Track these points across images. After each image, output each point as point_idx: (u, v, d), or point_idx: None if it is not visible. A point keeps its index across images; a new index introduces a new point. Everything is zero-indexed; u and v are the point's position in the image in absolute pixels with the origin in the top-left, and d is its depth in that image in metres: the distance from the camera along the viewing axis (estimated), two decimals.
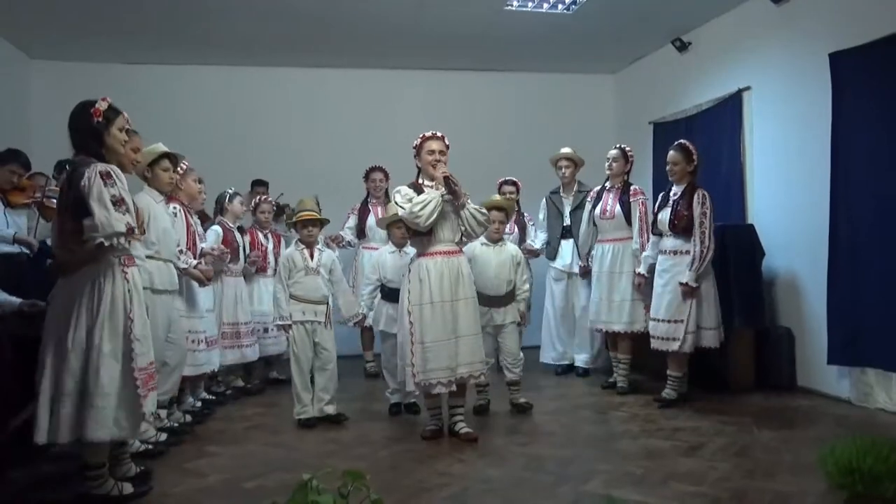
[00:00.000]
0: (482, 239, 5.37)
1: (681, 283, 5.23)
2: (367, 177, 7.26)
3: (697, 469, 3.99)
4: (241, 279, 6.16)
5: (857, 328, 5.30)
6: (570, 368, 6.91)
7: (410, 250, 5.12)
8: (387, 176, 7.18)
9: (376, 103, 8.61)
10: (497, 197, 5.94)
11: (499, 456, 4.34)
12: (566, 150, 6.82)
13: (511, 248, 5.51)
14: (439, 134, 4.75)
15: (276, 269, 6.02)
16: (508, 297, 5.40)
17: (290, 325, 5.11)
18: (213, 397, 5.91)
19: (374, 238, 6.96)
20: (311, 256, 5.20)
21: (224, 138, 8.17)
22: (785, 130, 6.22)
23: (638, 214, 5.93)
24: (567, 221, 6.84)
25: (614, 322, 5.95)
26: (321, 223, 5.27)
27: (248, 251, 6.30)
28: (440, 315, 4.54)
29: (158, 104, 7.82)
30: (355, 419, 5.33)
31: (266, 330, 6.43)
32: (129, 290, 3.46)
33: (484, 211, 4.75)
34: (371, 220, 7.02)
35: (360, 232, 7.11)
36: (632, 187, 6.05)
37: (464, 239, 4.87)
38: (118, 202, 3.35)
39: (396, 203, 4.66)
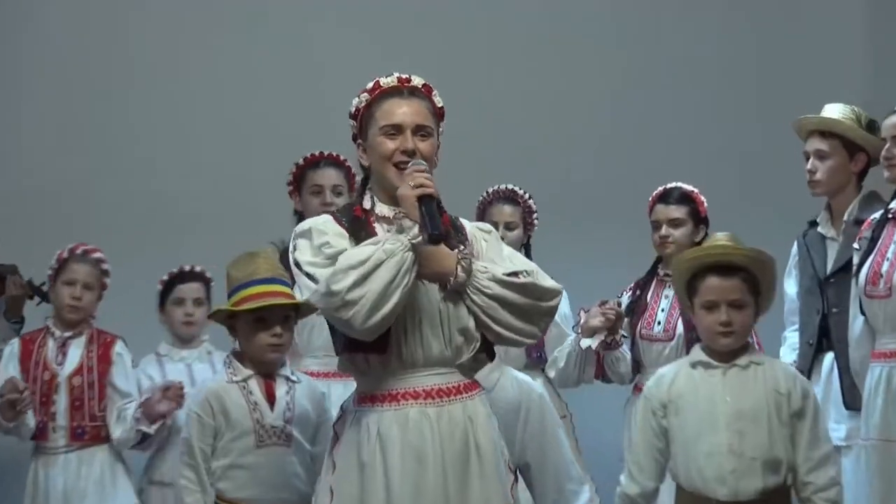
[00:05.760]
0: None
1: None
2: (298, 182, 3.99)
3: None
4: None
5: None
6: None
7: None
8: (350, 175, 3.97)
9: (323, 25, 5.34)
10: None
11: None
12: (834, 109, 3.83)
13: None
14: (418, 82, 2.65)
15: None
16: None
17: None
18: None
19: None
20: (271, 398, 3.22)
21: None
22: None
23: None
24: (826, 300, 3.79)
25: None
26: (298, 311, 3.27)
27: None
28: None
29: None
30: None
31: None
32: None
33: (536, 273, 2.66)
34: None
35: None
36: None
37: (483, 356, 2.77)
38: None
39: (296, 264, 2.66)
